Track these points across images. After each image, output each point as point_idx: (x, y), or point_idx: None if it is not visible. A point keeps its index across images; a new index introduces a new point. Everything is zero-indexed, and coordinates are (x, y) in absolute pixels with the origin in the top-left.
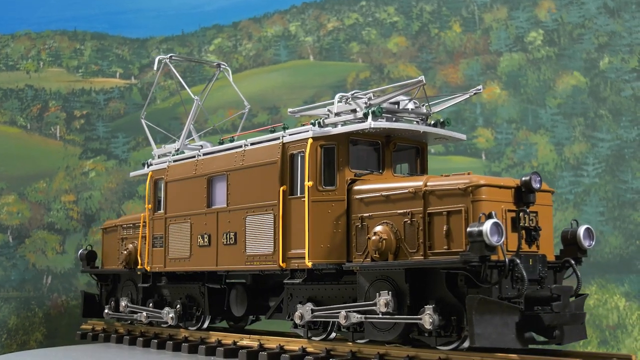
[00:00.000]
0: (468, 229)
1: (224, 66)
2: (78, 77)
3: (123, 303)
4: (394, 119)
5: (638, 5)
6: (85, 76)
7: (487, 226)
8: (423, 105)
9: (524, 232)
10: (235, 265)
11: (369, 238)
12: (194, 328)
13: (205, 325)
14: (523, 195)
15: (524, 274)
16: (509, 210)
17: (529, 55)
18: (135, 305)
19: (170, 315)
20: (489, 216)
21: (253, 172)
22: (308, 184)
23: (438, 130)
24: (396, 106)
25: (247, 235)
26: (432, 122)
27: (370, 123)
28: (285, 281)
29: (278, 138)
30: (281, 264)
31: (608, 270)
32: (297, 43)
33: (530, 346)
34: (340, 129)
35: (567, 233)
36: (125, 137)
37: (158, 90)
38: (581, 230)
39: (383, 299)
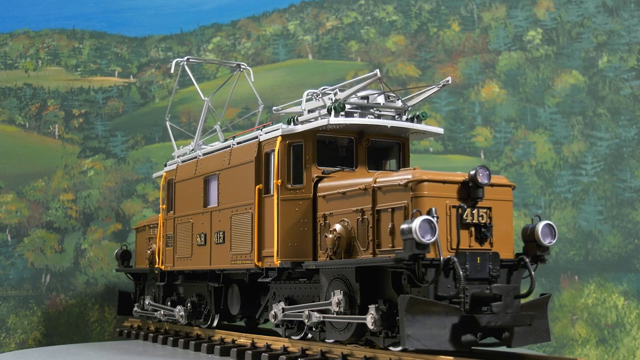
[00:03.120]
0: (401, 226)
1: (243, 66)
2: (77, 76)
3: (146, 301)
4: (374, 114)
5: (637, 4)
6: (83, 75)
7: (416, 223)
8: (398, 100)
9: (473, 228)
10: (224, 264)
11: (326, 236)
12: (205, 326)
13: (215, 324)
14: (471, 190)
15: (460, 273)
16: (454, 206)
17: (527, 54)
18: (156, 304)
19: (181, 314)
20: (429, 212)
21: (237, 171)
22: (277, 182)
23: (409, 125)
24: (366, 101)
25: (232, 234)
26: (409, 116)
27: (328, 120)
28: (259, 280)
29: (256, 137)
30: (257, 262)
31: (607, 269)
32: (295, 42)
33: (482, 347)
34: (304, 126)
35: (527, 230)
36: (123, 136)
37: (157, 89)
38: (539, 227)
39: (336, 298)
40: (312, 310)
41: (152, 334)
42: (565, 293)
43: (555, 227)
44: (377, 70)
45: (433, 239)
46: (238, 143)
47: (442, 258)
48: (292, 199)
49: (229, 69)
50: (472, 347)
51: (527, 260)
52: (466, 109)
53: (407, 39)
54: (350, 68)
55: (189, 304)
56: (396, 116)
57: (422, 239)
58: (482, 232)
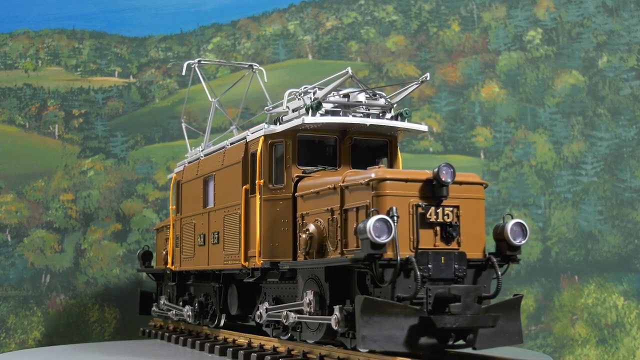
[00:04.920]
0: (358, 226)
1: (256, 67)
2: (76, 76)
3: (162, 301)
4: (362, 112)
5: (637, 4)
6: (83, 75)
7: (370, 223)
8: (380, 98)
9: (438, 228)
10: (218, 265)
11: (300, 236)
12: (213, 325)
13: (222, 323)
14: (435, 188)
15: (418, 273)
16: (417, 205)
17: (527, 54)
18: (170, 303)
19: (188, 314)
20: (389, 211)
21: (229, 171)
22: (259, 182)
23: (387, 122)
24: (346, 99)
25: (225, 234)
26: (393, 114)
27: (303, 119)
28: (244, 280)
29: (244, 137)
30: (243, 262)
31: (607, 269)
32: (295, 42)
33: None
34: (283, 126)
35: (497, 228)
36: (123, 136)
37: (157, 89)
38: (509, 226)
39: (307, 299)
40: (290, 311)
41: (167, 334)
42: (565, 293)
43: (526, 225)
44: (349, 68)
45: (389, 239)
46: (231, 144)
47: (399, 258)
48: (273, 199)
49: (229, 70)
50: (446, 350)
51: (495, 260)
52: (466, 109)
53: (407, 39)
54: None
55: (196, 304)
56: (380, 114)
57: (377, 239)
58: (448, 231)
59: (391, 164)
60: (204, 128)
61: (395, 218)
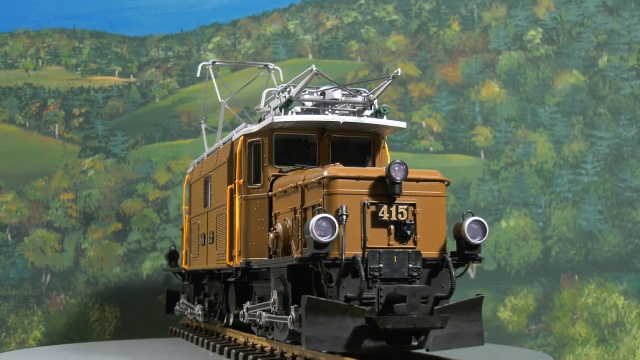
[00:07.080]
0: (305, 226)
1: (271, 67)
2: (77, 76)
3: (181, 300)
4: (346, 110)
5: (637, 3)
6: (84, 74)
7: (312, 222)
8: (361, 95)
9: (392, 226)
10: (212, 264)
11: (269, 235)
12: (222, 324)
13: (231, 322)
14: (388, 186)
15: (362, 273)
16: (365, 203)
17: (527, 53)
18: (187, 302)
19: (198, 312)
20: (338, 210)
21: (220, 171)
22: (238, 181)
23: (359, 119)
24: (322, 97)
25: (217, 234)
26: (372, 111)
27: (272, 118)
28: (228, 280)
29: (231, 138)
30: (228, 262)
31: (607, 269)
32: (296, 41)
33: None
34: (258, 126)
35: (456, 226)
36: (124, 136)
37: (157, 89)
38: (466, 224)
39: (272, 298)
40: (263, 310)
41: (185, 332)
42: (565, 292)
43: (485, 223)
44: (313, 66)
45: (332, 238)
46: (224, 144)
47: (343, 257)
48: (252, 199)
49: (229, 69)
50: (411, 351)
51: (449, 259)
52: (466, 109)
53: (407, 38)
54: (350, 68)
55: (206, 303)
56: (360, 111)
57: (320, 238)
58: (403, 229)
59: (374, 162)
60: (206, 128)
61: (343, 217)
